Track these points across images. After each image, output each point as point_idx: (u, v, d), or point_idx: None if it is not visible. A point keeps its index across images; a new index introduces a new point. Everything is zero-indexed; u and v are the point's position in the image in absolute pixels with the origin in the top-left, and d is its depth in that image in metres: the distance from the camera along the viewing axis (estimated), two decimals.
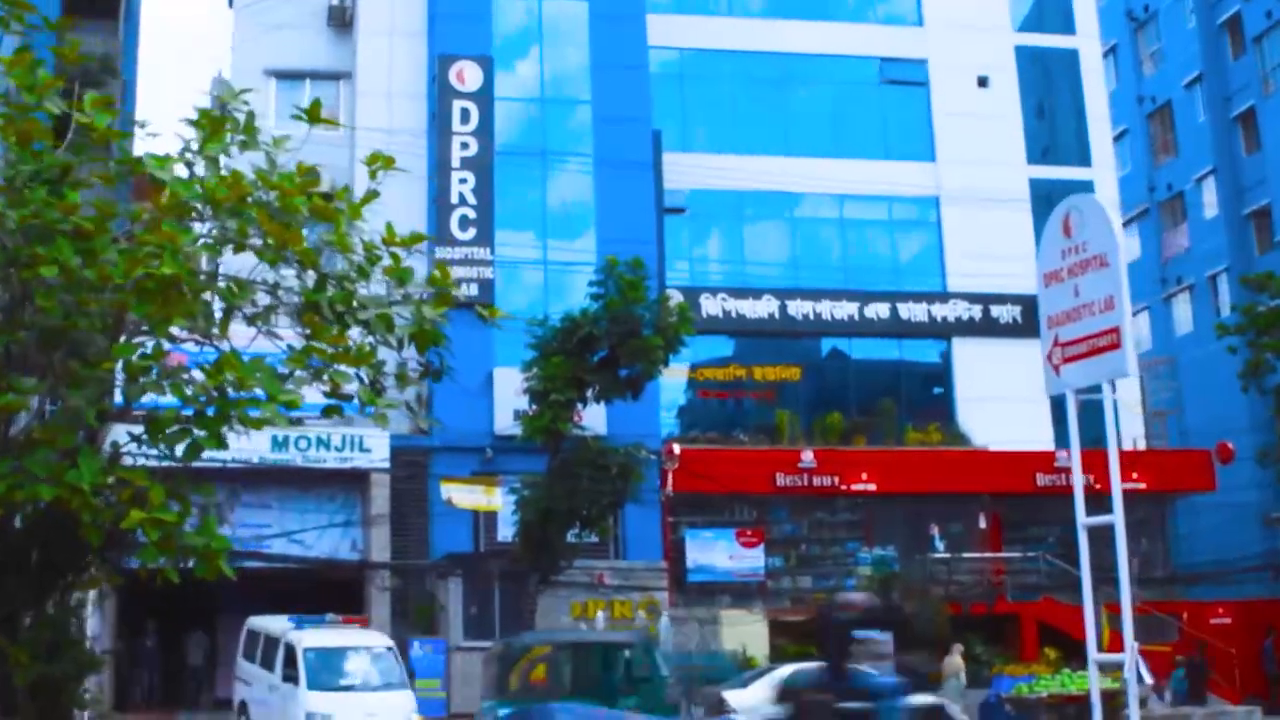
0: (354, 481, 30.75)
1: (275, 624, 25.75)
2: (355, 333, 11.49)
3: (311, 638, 24.26)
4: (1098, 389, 14.03)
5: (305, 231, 11.20)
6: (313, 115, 11.41)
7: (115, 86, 31.71)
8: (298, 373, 10.59)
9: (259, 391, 9.68)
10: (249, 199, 10.70)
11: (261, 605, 33.65)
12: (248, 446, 29.27)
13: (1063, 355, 13.73)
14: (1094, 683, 13.32)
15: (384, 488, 30.52)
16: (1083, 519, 13.81)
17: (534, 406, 27.68)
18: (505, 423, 31.29)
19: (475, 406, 31.75)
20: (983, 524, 34.78)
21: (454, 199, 33.02)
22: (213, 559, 9.62)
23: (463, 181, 33.14)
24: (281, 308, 11.60)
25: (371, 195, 12.86)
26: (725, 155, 36.29)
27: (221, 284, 10.38)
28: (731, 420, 36.07)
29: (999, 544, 34.72)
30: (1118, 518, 13.10)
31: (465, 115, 33.56)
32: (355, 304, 11.27)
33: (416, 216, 33.48)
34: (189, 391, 9.87)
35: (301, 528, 30.73)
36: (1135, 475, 35.58)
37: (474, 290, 32.64)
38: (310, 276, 11.14)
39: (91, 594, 26.84)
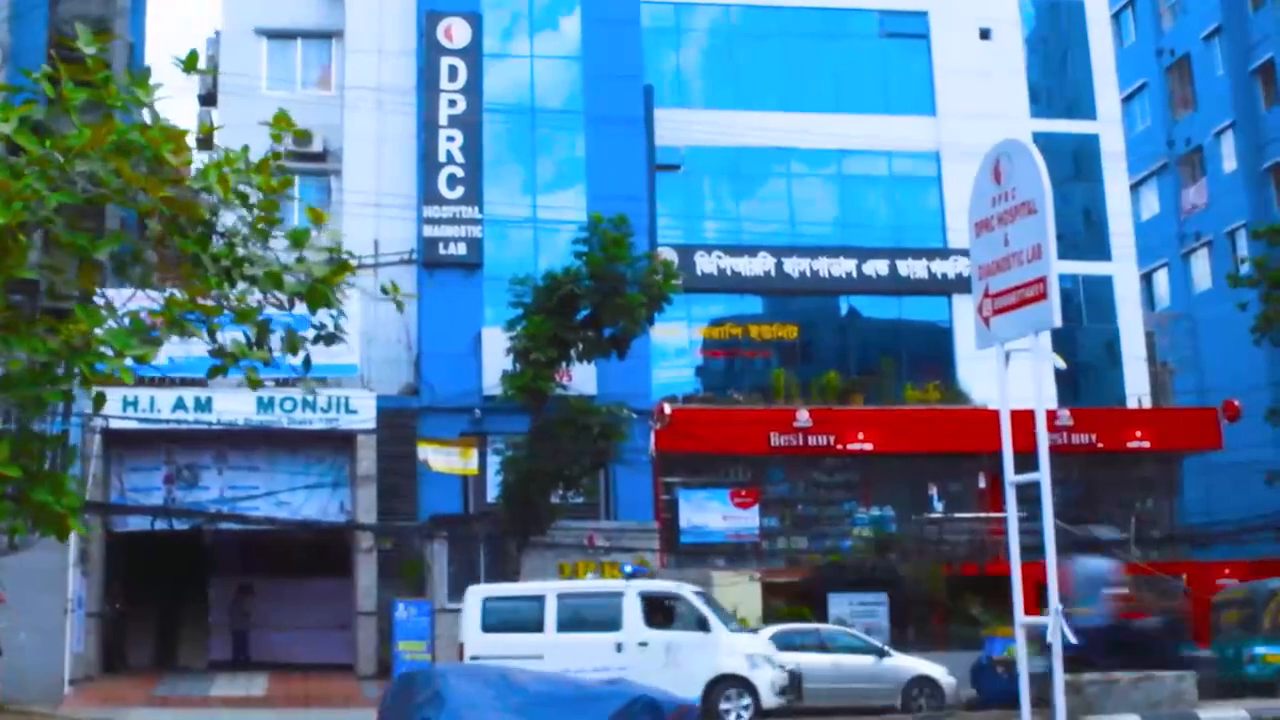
0: (341, 443, 30.53)
1: (578, 584, 25.24)
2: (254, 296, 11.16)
3: (686, 587, 23.58)
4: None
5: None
6: (189, 65, 10.99)
7: (114, 47, 31.48)
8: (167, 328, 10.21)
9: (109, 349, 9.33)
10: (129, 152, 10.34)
11: (252, 568, 33.77)
12: (234, 408, 29.48)
13: (993, 307, 13.30)
14: (1021, 647, 12.90)
15: (370, 449, 30.28)
16: (1010, 477, 13.43)
17: (517, 366, 27.44)
18: (494, 383, 30.92)
19: (463, 367, 31.53)
20: (982, 484, 34.27)
21: (441, 157, 32.62)
22: (63, 519, 9.29)
23: (450, 140, 32.74)
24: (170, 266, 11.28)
25: (273, 156, 12.36)
26: (722, 111, 35.70)
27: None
28: (728, 379, 35.70)
29: (999, 504, 34.05)
30: (1044, 475, 12.73)
31: (453, 72, 33.13)
32: (244, 259, 10.93)
33: (406, 176, 33.23)
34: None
35: (289, 489, 30.62)
36: (1139, 434, 35.09)
37: (462, 250, 32.36)
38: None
39: (71, 556, 26.98)
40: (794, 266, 35.24)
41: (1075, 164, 38.77)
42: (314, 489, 30.80)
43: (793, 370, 35.26)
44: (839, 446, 33.15)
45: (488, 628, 22.75)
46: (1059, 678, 12.34)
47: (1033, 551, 33.05)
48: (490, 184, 32.98)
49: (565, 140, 33.74)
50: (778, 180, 36.61)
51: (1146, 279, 49.66)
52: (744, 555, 32.58)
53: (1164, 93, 50.61)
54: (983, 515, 33.44)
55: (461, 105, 32.92)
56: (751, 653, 22.55)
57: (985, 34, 37.63)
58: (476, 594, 23.53)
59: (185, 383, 29.05)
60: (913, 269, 35.65)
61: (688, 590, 23.02)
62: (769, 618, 29.38)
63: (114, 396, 29.06)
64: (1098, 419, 35.06)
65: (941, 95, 37.15)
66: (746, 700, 22.21)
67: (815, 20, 37.19)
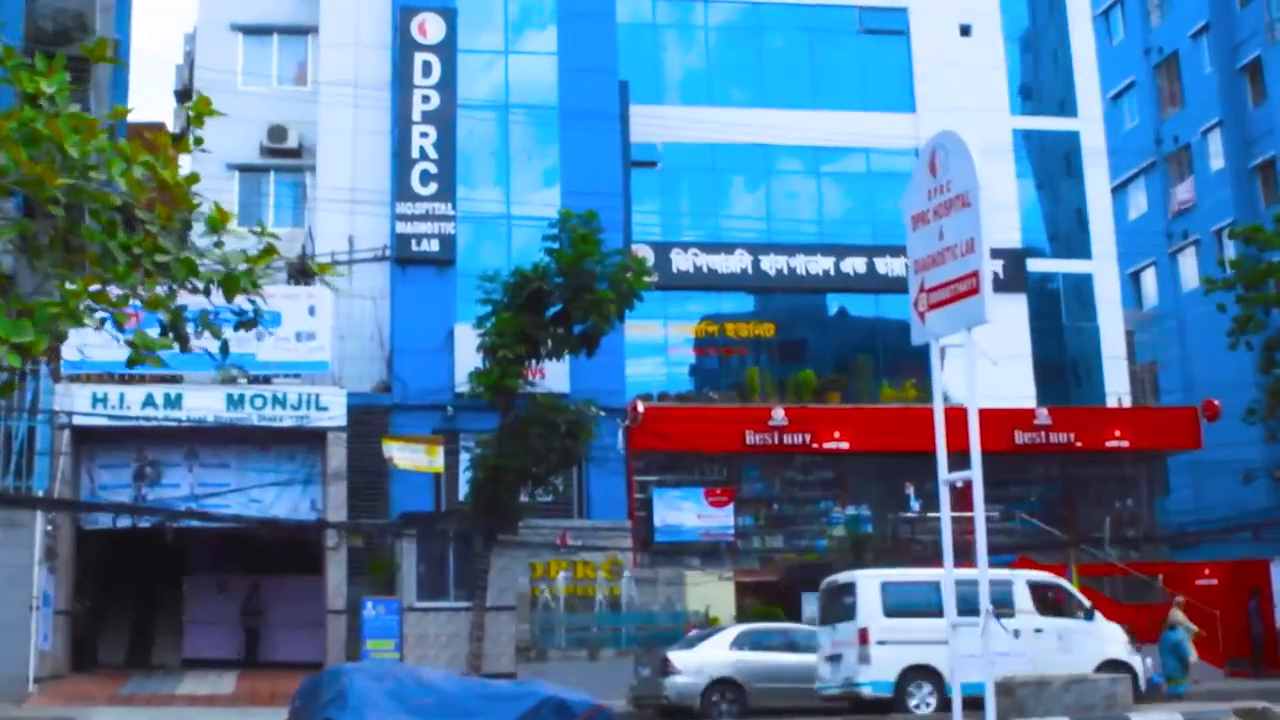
0: (313, 440, 30.36)
1: (969, 571, 24.96)
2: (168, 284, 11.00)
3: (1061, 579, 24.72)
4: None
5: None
6: (97, 54, 10.87)
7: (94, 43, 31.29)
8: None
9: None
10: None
11: (227, 564, 33.64)
12: (204, 405, 29.30)
13: (928, 301, 13.13)
14: (953, 649, 12.72)
15: (341, 446, 30.09)
16: (944, 475, 13.26)
17: (486, 363, 27.24)
18: (466, 380, 30.74)
19: (436, 364, 31.35)
20: (960, 483, 33.97)
21: (415, 154, 32.40)
22: None
23: (424, 136, 32.51)
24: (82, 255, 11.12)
25: (195, 141, 12.20)
26: (699, 107, 35.49)
27: None
28: (705, 377, 35.52)
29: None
30: (975, 474, 12.56)
31: (427, 68, 32.90)
32: (156, 247, 10.78)
33: (380, 172, 33.06)
34: None
35: (259, 487, 30.44)
36: (1118, 433, 34.86)
37: (435, 246, 32.18)
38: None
39: (37, 553, 26.82)
40: (771, 264, 35.01)
41: (1067, 162, 38.54)
42: (284, 486, 30.61)
43: (769, 368, 35.08)
44: (815, 445, 32.91)
45: (889, 612, 22.81)
46: (990, 679, 12.17)
47: (1006, 551, 32.72)
48: (464, 180, 32.82)
49: (540, 136, 33.54)
50: (755, 177, 36.39)
51: (1135, 278, 49.47)
52: (719, 555, 32.36)
53: (1152, 91, 50.38)
54: (960, 514, 33.19)
55: (435, 101, 32.73)
56: (1128, 640, 23.96)
57: (965, 30, 37.36)
58: (873, 578, 23.56)
59: (155, 379, 28.87)
60: (891, 266, 35.40)
61: (1066, 581, 24.34)
62: (742, 617, 29.22)
63: (83, 393, 29.06)
64: (1076, 418, 34.83)
65: (921, 92, 36.92)
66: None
67: (794, 16, 36.95)
